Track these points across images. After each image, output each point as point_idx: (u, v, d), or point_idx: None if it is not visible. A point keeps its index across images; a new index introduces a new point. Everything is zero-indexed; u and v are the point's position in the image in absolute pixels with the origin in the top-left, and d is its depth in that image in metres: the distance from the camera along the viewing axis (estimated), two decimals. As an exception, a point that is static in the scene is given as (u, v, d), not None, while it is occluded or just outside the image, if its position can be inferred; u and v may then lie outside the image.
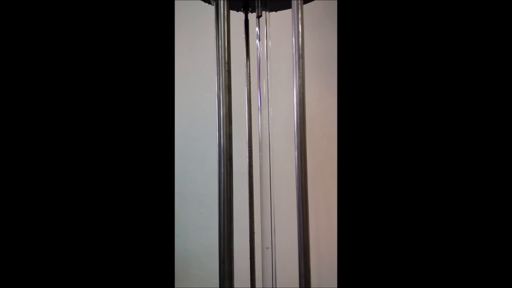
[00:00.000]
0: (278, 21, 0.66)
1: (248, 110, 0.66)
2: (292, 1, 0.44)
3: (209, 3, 0.60)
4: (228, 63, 0.45)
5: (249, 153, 0.65)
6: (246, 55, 0.66)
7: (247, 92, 0.66)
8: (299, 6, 0.44)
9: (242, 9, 0.64)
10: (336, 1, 0.83)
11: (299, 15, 0.42)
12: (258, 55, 0.59)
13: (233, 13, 0.61)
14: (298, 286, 0.46)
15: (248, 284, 0.64)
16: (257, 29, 0.58)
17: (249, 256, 0.64)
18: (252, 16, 0.63)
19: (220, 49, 0.46)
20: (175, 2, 0.49)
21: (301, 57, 0.41)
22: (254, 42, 0.62)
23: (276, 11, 0.64)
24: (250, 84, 0.65)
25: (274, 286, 0.58)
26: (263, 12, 0.60)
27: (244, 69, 0.66)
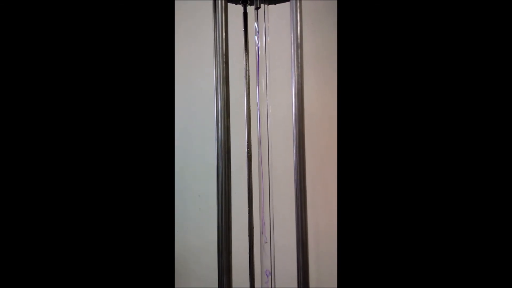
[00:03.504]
0: (277, 14, 0.65)
1: (247, 104, 0.65)
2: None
3: (207, -5, 0.60)
4: (226, 55, 0.45)
5: (248, 148, 0.65)
6: (245, 49, 0.65)
7: (246, 86, 0.65)
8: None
9: (240, 1, 0.63)
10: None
11: (298, 4, 0.42)
12: (257, 50, 0.59)
13: (232, 6, 0.61)
14: (296, 280, 0.45)
15: (247, 278, 0.63)
16: (255, 24, 0.58)
17: (248, 251, 0.63)
18: (251, 10, 0.62)
19: (218, 41, 0.46)
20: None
21: (299, 46, 0.41)
22: (253, 35, 0.62)
23: (275, 4, 0.64)
24: (249, 78, 0.65)
25: (272, 281, 0.58)
26: (262, 5, 0.59)
27: (243, 63, 0.65)
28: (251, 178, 0.65)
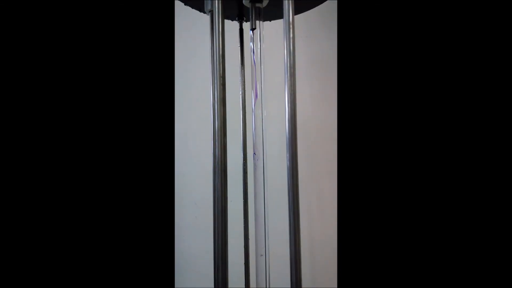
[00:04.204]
0: (274, 30, 0.67)
1: (243, 116, 0.66)
2: (284, 12, 0.45)
3: (205, 12, 0.61)
4: (223, 77, 0.46)
5: (243, 160, 0.66)
6: (241, 63, 0.67)
7: (242, 98, 0.67)
8: (291, 18, 0.45)
9: (237, 18, 0.65)
10: (326, 12, 0.84)
11: (291, 22, 0.43)
12: (253, 64, 0.60)
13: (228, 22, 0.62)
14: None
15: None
16: (251, 44, 0.59)
17: (243, 262, 0.65)
18: (247, 26, 0.64)
19: (215, 62, 0.47)
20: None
21: (292, 66, 0.42)
22: (248, 50, 0.63)
23: (270, 21, 0.65)
24: (245, 93, 0.66)
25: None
26: (258, 22, 0.61)
27: (239, 77, 0.67)
28: (247, 189, 0.67)
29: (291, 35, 0.43)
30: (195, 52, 0.97)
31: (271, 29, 0.65)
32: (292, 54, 0.43)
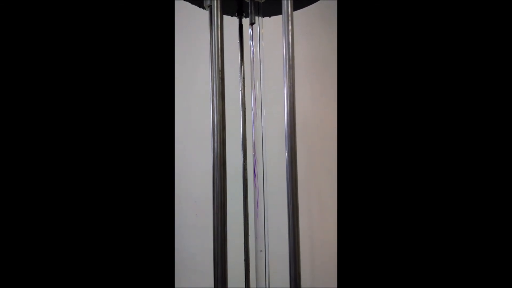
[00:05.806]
0: (273, 26, 0.66)
1: (242, 113, 0.66)
2: (283, 4, 0.45)
3: (204, 8, 0.61)
4: (222, 71, 0.46)
5: (243, 156, 0.66)
6: (240, 59, 0.66)
7: (242, 95, 0.66)
8: (290, 10, 0.44)
9: (236, 14, 0.64)
10: (325, 10, 0.84)
11: (289, 17, 0.43)
12: (252, 62, 0.60)
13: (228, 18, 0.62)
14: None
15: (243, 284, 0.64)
16: (250, 41, 0.58)
17: (243, 259, 0.64)
18: (246, 22, 0.63)
19: (214, 56, 0.47)
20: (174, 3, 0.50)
21: (291, 58, 0.42)
22: (248, 46, 0.63)
23: (269, 17, 0.65)
24: (244, 88, 0.66)
25: (268, 289, 0.59)
26: (257, 18, 0.60)
27: (239, 73, 0.66)
28: (247, 186, 0.66)
29: (289, 27, 0.43)
30: (195, 47, 0.97)
31: (271, 26, 0.65)
32: (291, 46, 0.43)
